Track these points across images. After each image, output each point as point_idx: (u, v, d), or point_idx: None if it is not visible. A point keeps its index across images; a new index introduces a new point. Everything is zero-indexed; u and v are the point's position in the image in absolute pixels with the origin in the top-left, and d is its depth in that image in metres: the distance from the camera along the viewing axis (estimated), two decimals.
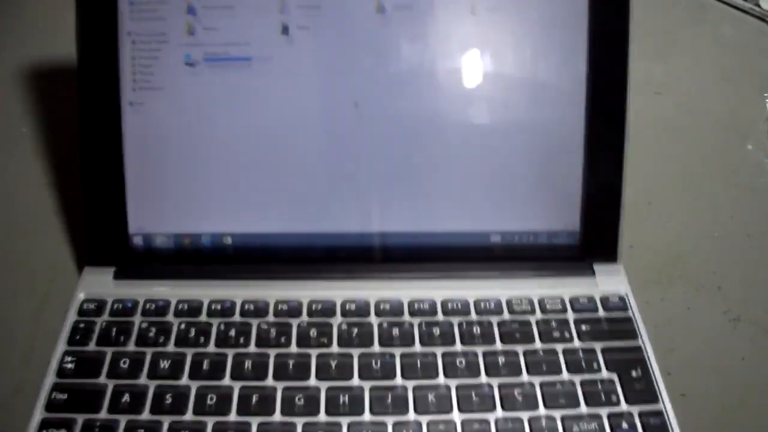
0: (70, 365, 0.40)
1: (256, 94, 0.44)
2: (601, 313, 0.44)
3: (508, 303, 0.44)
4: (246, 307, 0.43)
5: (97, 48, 0.44)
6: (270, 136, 0.45)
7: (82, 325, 0.42)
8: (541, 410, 0.39)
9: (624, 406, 0.39)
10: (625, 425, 0.38)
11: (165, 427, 0.38)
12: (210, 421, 0.38)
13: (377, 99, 0.45)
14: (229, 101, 0.44)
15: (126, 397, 0.39)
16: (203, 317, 0.43)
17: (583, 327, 0.43)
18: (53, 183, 0.54)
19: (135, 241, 0.45)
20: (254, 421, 0.38)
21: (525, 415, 0.39)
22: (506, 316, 0.43)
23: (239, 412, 0.38)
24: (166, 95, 0.44)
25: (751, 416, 0.42)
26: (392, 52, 0.44)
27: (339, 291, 0.45)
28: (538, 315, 0.43)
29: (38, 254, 0.49)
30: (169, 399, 0.39)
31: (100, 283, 0.45)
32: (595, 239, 0.46)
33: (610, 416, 0.38)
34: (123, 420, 0.38)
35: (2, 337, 0.45)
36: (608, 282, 0.45)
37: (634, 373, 0.40)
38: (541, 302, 0.44)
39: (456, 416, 0.39)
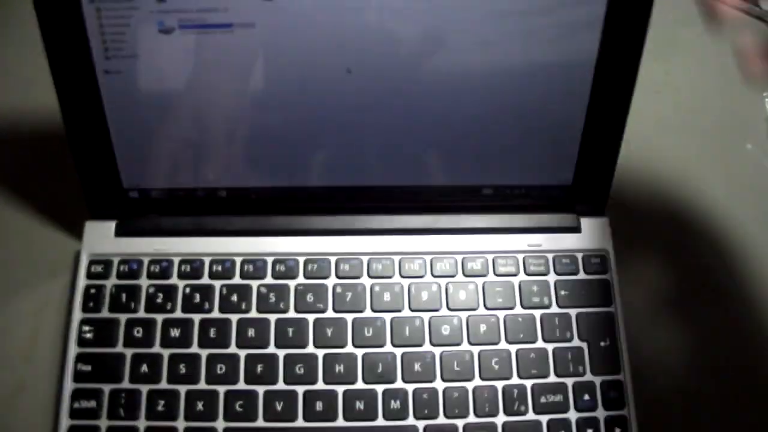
0: (88, 334, 0.44)
1: (239, 61, 0.41)
2: (582, 275, 0.46)
3: (494, 263, 0.46)
4: (245, 268, 0.46)
5: (60, 18, 0.39)
6: (255, 100, 0.43)
7: (93, 291, 0.45)
8: (515, 379, 0.44)
9: (588, 377, 0.44)
10: (586, 396, 0.43)
11: (182, 395, 0.43)
12: (221, 390, 0.43)
13: (370, 62, 0.41)
14: (211, 67, 0.41)
15: (144, 367, 0.43)
16: (205, 279, 0.45)
17: (563, 292, 0.45)
18: (47, 176, 0.52)
19: (131, 195, 0.46)
20: (261, 390, 0.43)
21: (499, 384, 0.44)
22: (491, 277, 0.46)
23: (246, 381, 0.43)
24: (143, 62, 0.41)
25: (750, 415, 0.45)
26: (384, 11, 0.40)
27: (333, 247, 0.47)
28: (522, 276, 0.46)
29: (39, 253, 0.49)
30: (182, 369, 0.43)
31: (103, 241, 0.46)
32: (585, 193, 0.47)
33: (575, 386, 0.43)
34: (144, 389, 0.43)
35: (3, 336, 0.46)
36: (593, 238, 0.47)
37: (602, 344, 0.45)
38: (525, 262, 0.46)
39: (438, 384, 0.44)
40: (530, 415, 0.43)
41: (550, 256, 0.47)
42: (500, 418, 0.43)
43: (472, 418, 0.43)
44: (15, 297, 0.48)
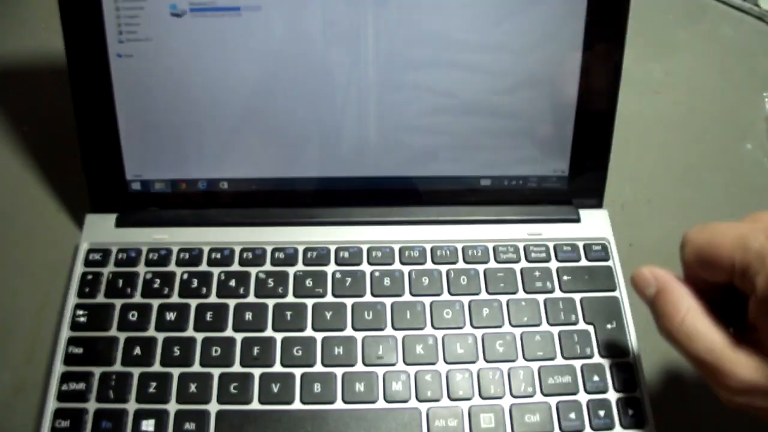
0: (82, 318, 0.43)
1: (246, 44, 0.43)
2: (584, 262, 0.46)
3: (495, 251, 0.46)
4: (244, 255, 0.46)
5: (78, 2, 0.42)
6: (261, 85, 0.44)
7: (89, 277, 0.44)
8: (520, 361, 0.42)
9: (597, 359, 0.42)
10: (596, 377, 0.42)
11: (175, 378, 0.41)
12: (216, 373, 0.41)
13: (371, 48, 0.44)
14: (219, 51, 0.44)
15: (137, 350, 0.42)
16: (204, 266, 0.45)
17: (565, 277, 0.45)
18: (53, 179, 0.53)
19: (133, 187, 0.47)
20: (257, 372, 0.42)
21: (505, 366, 0.42)
22: (492, 264, 0.46)
23: (242, 363, 0.42)
24: (154, 46, 0.43)
25: (751, 416, 0.44)
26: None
27: (333, 236, 0.47)
28: (524, 263, 0.46)
29: (39, 252, 0.49)
30: (176, 351, 0.42)
31: (103, 231, 0.46)
32: (582, 185, 0.47)
33: (583, 368, 0.42)
34: (136, 372, 0.41)
35: (3, 336, 0.46)
36: (592, 227, 0.47)
37: (608, 326, 0.43)
38: (526, 249, 0.46)
39: (441, 366, 0.42)
40: (538, 397, 0.41)
41: (550, 244, 0.46)
42: (507, 401, 0.41)
43: (477, 401, 0.41)
44: (15, 297, 0.47)
